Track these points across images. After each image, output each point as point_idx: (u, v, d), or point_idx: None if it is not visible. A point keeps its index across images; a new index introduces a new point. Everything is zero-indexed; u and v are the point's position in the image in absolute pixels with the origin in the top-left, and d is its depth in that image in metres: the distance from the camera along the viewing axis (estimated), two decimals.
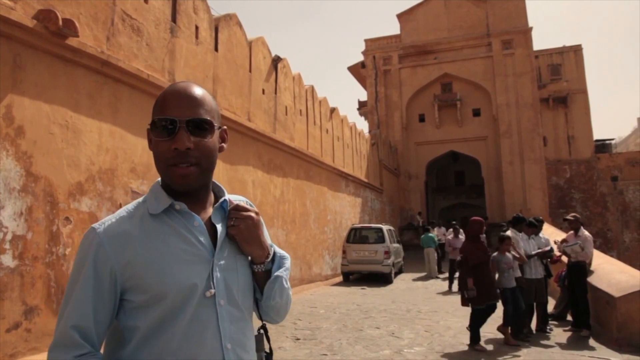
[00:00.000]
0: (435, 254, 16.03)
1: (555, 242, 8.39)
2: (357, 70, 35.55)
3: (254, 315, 1.30)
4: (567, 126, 34.11)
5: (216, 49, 9.52)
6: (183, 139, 1.09)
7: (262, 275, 1.23)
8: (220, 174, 9.41)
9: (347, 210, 18.30)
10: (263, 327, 1.32)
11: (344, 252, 14.86)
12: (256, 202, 10.70)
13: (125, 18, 6.93)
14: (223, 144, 1.24)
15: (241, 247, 1.19)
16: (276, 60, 12.44)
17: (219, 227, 1.18)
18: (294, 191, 13.08)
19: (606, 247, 29.06)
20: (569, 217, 7.99)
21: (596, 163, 33.30)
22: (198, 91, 1.16)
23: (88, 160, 6.12)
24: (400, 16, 32.29)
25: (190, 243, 1.12)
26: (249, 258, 1.22)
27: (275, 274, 1.24)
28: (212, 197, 1.25)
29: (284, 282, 1.25)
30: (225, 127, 1.25)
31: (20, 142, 5.18)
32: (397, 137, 30.62)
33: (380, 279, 14.44)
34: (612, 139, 40.63)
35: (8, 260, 4.93)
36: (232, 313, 1.14)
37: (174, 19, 8.16)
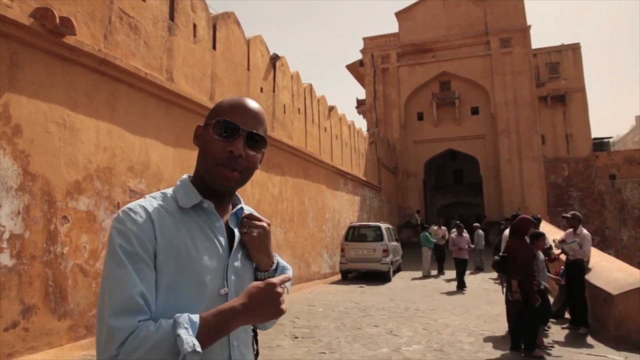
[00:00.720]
0: (429, 253, 15.68)
1: (553, 241, 8.41)
2: (355, 69, 35.54)
3: None
4: (566, 124, 34.18)
5: (214, 47, 9.50)
6: (240, 145, 1.17)
7: None
8: None
9: (345, 208, 18.30)
10: (254, 331, 1.36)
11: (342, 250, 14.87)
12: (254, 201, 10.69)
13: (122, 16, 6.92)
14: (259, 165, 1.29)
15: (250, 253, 1.25)
16: (274, 58, 12.43)
17: (236, 231, 1.25)
18: (293, 190, 13.07)
19: (604, 245, 29.12)
20: (567, 215, 8.00)
21: (594, 161, 33.37)
22: (262, 112, 1.26)
23: (86, 159, 6.11)
24: (398, 14, 32.30)
25: (211, 240, 1.17)
26: (254, 265, 1.28)
27: None
28: (230, 205, 1.32)
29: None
30: (264, 150, 1.30)
31: (18, 141, 5.17)
32: (395, 136, 30.64)
33: (379, 277, 14.45)
34: (610, 137, 40.72)
35: (6, 259, 4.92)
36: None
37: (171, 17, 8.15)
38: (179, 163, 8.05)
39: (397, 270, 16.63)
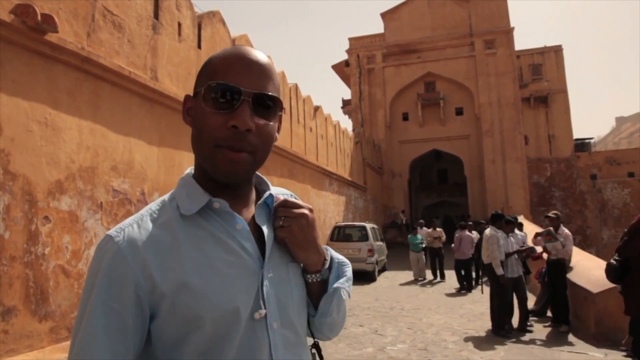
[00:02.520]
0: (419, 257, 14.28)
1: (535, 237, 8.52)
2: (341, 69, 35.59)
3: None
4: (548, 125, 34.64)
5: (199, 46, 9.45)
6: (245, 115, 0.85)
7: (316, 286, 0.99)
8: None
9: (330, 208, 18.32)
10: (315, 345, 1.05)
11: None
12: None
13: (106, 14, 6.84)
14: (277, 134, 0.96)
15: (293, 252, 0.95)
16: None
17: (265, 229, 0.94)
18: None
19: (585, 244, 29.57)
20: (550, 214, 8.10)
21: (576, 162, 33.88)
22: (268, 60, 0.92)
23: (68, 158, 6.03)
24: (384, 15, 32.42)
25: (233, 251, 0.88)
26: (302, 266, 0.98)
27: (334, 285, 0.99)
28: (254, 193, 1.01)
29: (344, 295, 1.01)
30: (282, 113, 0.98)
31: None
32: (380, 136, 30.75)
33: (364, 277, 14.48)
34: (591, 138, 41.38)
35: None
36: (287, 337, 0.90)
37: (156, 16, 8.08)
38: (163, 163, 7.99)
39: (383, 270, 16.69)
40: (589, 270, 7.85)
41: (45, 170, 5.66)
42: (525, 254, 7.74)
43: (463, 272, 12.40)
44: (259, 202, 0.97)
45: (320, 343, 1.05)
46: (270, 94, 0.89)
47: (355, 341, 6.76)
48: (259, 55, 0.91)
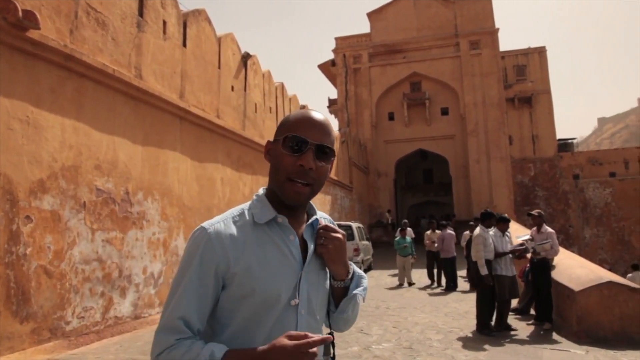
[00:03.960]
0: (406, 262, 13.06)
1: (517, 237, 8.60)
2: (327, 68, 35.60)
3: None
4: (532, 126, 35.07)
5: (184, 45, 9.38)
6: (309, 158, 1.20)
7: (339, 291, 1.36)
8: (188, 171, 9.29)
9: (316, 207, 18.30)
10: (331, 334, 1.36)
11: None
12: (225, 200, 10.61)
13: (89, 11, 6.76)
14: (330, 172, 1.33)
15: (327, 264, 1.30)
16: (246, 57, 12.34)
17: (309, 243, 1.29)
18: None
19: (568, 243, 29.99)
20: (533, 212, 8.17)
21: (559, 162, 34.34)
22: (328, 122, 1.29)
23: (50, 157, 5.95)
24: (370, 15, 32.50)
25: (284, 254, 1.22)
26: (329, 274, 1.34)
27: (354, 292, 1.36)
28: (305, 215, 1.36)
29: (359, 300, 1.38)
30: (333, 159, 1.32)
31: None
32: (366, 135, 30.83)
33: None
34: (574, 139, 42.00)
35: None
36: (309, 322, 1.25)
37: (140, 14, 8.01)
38: (147, 162, 7.92)
39: (368, 269, 16.74)
40: (571, 268, 7.95)
41: (27, 169, 5.58)
42: (519, 254, 7.70)
43: (444, 270, 12.51)
44: (307, 223, 1.33)
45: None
46: (327, 145, 1.25)
47: (341, 340, 6.77)
48: (321, 117, 1.28)
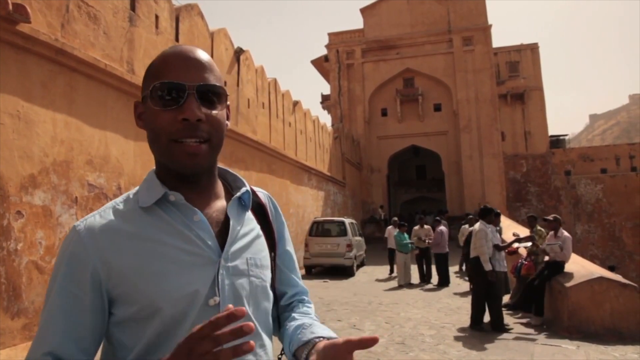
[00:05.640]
0: (406, 259, 12.52)
1: (514, 235, 8.66)
2: (320, 64, 35.54)
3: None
4: (524, 122, 35.20)
5: (177, 40, 9.32)
6: (193, 107, 0.90)
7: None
8: None
9: (309, 203, 18.32)
10: (282, 354, 1.06)
11: (306, 245, 14.89)
12: None
13: (81, 5, 6.70)
14: (227, 121, 1.02)
15: None
16: (238, 52, 12.29)
17: (232, 222, 0.98)
18: (256, 185, 12.87)
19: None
20: (549, 217, 8.06)
21: (551, 158, 34.52)
22: (205, 55, 0.97)
23: (41, 152, 5.90)
24: (363, 11, 32.45)
25: (190, 241, 0.92)
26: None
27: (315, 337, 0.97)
28: (220, 187, 1.06)
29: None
30: (229, 102, 1.03)
31: None
32: (359, 131, 30.84)
33: (343, 272, 14.54)
34: (566, 135, 42.22)
35: None
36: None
37: (133, 8, 7.94)
38: (140, 157, 7.88)
39: (361, 264, 16.78)
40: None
41: (18, 164, 5.53)
42: (524, 241, 7.76)
43: (437, 266, 12.46)
44: (234, 197, 1.02)
45: None
46: (213, 83, 0.94)
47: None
48: (197, 50, 0.96)
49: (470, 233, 8.68)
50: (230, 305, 0.73)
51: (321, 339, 0.95)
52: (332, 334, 0.97)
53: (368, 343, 0.84)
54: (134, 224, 0.92)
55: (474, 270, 7.53)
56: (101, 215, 0.93)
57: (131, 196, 0.99)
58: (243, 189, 1.04)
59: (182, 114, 0.90)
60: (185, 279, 0.90)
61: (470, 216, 12.46)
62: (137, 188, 1.00)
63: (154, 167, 1.02)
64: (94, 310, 0.88)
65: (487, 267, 7.08)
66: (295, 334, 1.01)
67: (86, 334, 0.87)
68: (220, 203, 1.02)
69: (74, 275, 0.88)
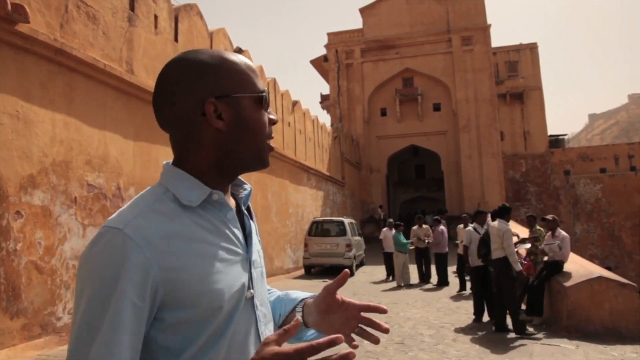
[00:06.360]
0: (404, 259, 12.51)
1: (514, 235, 8.67)
2: (319, 64, 35.54)
3: None
4: (523, 122, 35.21)
5: (176, 40, 9.32)
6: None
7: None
8: None
9: (308, 203, 18.33)
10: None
11: (305, 245, 14.89)
12: None
13: (80, 5, 6.70)
14: None
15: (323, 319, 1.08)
16: (237, 51, 12.30)
17: (247, 217, 1.05)
18: (255, 184, 13.00)
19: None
20: (547, 217, 8.15)
21: (550, 157, 34.54)
22: None
23: (41, 152, 5.90)
24: (363, 11, 32.46)
25: (229, 239, 0.95)
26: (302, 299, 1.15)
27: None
28: None
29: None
30: None
31: None
32: (359, 131, 30.84)
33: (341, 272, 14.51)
34: (565, 135, 42.20)
35: None
36: (265, 314, 1.02)
37: (132, 8, 7.94)
38: (139, 157, 7.88)
39: (360, 264, 16.78)
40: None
41: (17, 164, 5.53)
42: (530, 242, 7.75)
43: (436, 266, 12.37)
44: (246, 194, 1.08)
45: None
46: None
47: None
48: None
49: (486, 233, 8.55)
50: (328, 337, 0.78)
51: (307, 298, 1.12)
52: (312, 293, 1.14)
53: (380, 310, 1.02)
54: (181, 224, 0.89)
55: (499, 272, 7.02)
56: (144, 217, 0.86)
57: (161, 194, 0.92)
58: (248, 187, 1.09)
59: (272, 118, 1.01)
60: (233, 275, 0.92)
61: (464, 215, 12.24)
62: (160, 186, 0.95)
63: (169, 163, 0.99)
64: (147, 319, 0.83)
65: (517, 267, 6.86)
66: (280, 304, 1.16)
67: (140, 346, 0.82)
68: (232, 199, 1.06)
69: (135, 285, 0.80)
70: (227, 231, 0.95)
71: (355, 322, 1.07)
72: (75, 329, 0.79)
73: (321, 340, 0.77)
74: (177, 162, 0.98)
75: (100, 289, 0.79)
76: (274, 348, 0.79)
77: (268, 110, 1.01)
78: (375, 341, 1.08)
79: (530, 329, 6.94)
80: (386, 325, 1.01)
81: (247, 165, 1.00)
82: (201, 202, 0.93)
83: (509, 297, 6.92)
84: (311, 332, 1.11)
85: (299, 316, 1.09)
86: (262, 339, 0.95)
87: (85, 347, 0.77)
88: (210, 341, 0.88)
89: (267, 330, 1.01)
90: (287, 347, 0.79)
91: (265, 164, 1.02)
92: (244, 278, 0.95)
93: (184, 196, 0.91)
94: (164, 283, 0.83)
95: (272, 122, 1.02)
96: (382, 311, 1.03)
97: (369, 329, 1.08)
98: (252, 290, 0.96)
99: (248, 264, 0.98)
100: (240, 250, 0.97)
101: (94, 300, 0.79)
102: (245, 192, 1.08)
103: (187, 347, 0.86)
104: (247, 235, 1.01)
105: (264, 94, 0.99)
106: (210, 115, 0.94)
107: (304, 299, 1.14)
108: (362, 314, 1.08)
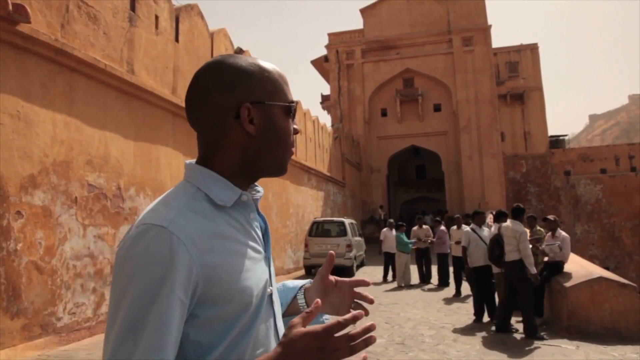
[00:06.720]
0: (406, 259, 12.49)
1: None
2: (320, 64, 35.54)
3: None
4: (524, 122, 35.21)
5: (177, 40, 9.33)
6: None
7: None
8: (181, 167, 9.25)
9: (309, 203, 18.33)
10: None
11: (306, 245, 14.89)
12: None
13: (81, 5, 6.70)
14: None
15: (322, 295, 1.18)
16: (238, 52, 12.29)
17: (261, 218, 1.10)
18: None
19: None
20: (548, 217, 8.20)
21: (550, 158, 34.53)
22: None
23: (41, 152, 5.90)
24: (363, 11, 32.46)
25: (254, 238, 1.01)
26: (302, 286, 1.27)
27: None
28: None
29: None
30: None
31: None
32: (359, 131, 30.85)
33: (342, 272, 14.52)
34: (566, 135, 42.21)
35: None
36: (279, 310, 1.09)
37: (132, 8, 7.95)
38: (140, 157, 7.88)
39: (361, 265, 16.78)
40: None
41: (18, 164, 5.54)
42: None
43: (438, 266, 12.32)
44: (260, 196, 1.10)
45: None
46: None
47: None
48: None
49: (468, 234, 8.54)
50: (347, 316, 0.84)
51: (305, 285, 1.23)
52: (305, 280, 1.28)
53: (363, 283, 1.18)
54: (216, 223, 0.93)
55: (514, 274, 6.87)
56: (184, 216, 0.89)
57: (194, 193, 0.95)
58: (261, 190, 1.12)
59: (296, 128, 1.06)
60: (259, 273, 0.98)
61: (457, 216, 12.09)
62: (190, 185, 0.97)
63: (193, 162, 1.02)
64: (186, 315, 0.85)
65: (533, 270, 6.72)
66: (280, 295, 1.21)
67: (179, 342, 0.84)
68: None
69: (182, 283, 0.82)
70: (252, 231, 1.01)
71: (350, 298, 1.17)
72: (117, 327, 0.80)
73: (347, 316, 0.82)
74: (202, 162, 1.01)
75: (149, 286, 0.81)
76: (301, 329, 0.82)
77: (292, 119, 1.05)
78: (370, 301, 1.17)
79: (542, 333, 6.77)
80: (372, 297, 1.15)
81: (269, 171, 1.05)
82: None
83: (524, 299, 6.79)
84: (326, 316, 1.17)
85: (303, 302, 1.21)
86: (279, 332, 1.02)
87: (131, 345, 0.78)
88: (239, 336, 0.91)
89: (283, 325, 1.06)
90: (313, 326, 0.83)
91: (285, 171, 1.06)
92: (266, 275, 1.01)
93: (217, 196, 0.95)
94: (203, 280, 0.86)
95: (296, 132, 1.06)
96: (365, 284, 1.17)
97: (362, 303, 1.19)
98: (271, 287, 1.03)
99: (267, 261, 1.04)
100: (261, 249, 1.02)
101: (141, 298, 0.80)
102: (260, 194, 1.11)
103: (218, 342, 0.89)
104: (263, 234, 1.07)
105: (294, 104, 1.05)
106: (244, 119, 0.98)
107: (302, 286, 1.24)
108: (355, 289, 1.19)
